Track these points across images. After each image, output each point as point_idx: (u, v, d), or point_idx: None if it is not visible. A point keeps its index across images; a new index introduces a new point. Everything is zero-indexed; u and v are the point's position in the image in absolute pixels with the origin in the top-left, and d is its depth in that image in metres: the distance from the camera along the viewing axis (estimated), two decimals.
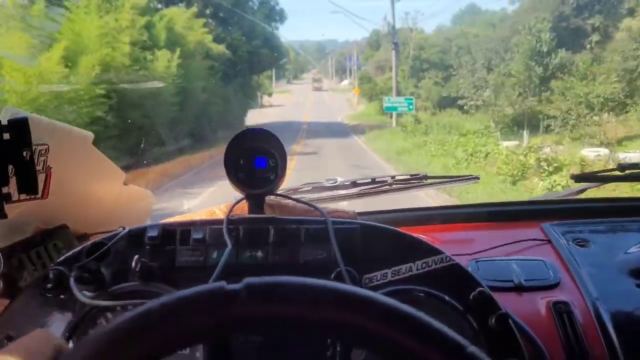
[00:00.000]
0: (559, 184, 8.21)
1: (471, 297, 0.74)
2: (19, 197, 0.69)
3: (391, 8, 23.27)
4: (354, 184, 1.16)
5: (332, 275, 0.73)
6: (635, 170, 1.18)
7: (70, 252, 0.76)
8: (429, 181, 1.17)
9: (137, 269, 0.72)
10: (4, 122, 0.64)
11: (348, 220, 0.82)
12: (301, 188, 1.16)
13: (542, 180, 8.84)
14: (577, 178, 1.21)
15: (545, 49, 17.76)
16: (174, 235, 0.77)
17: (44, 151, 0.77)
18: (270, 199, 0.86)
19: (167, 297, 0.40)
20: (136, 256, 0.73)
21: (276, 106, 27.55)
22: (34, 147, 0.69)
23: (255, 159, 0.81)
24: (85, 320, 0.72)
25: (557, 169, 9.21)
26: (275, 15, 24.65)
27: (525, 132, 15.61)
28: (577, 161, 9.65)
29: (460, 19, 32.54)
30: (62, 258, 0.76)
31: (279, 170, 0.81)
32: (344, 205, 1.15)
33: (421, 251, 0.78)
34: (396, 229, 0.81)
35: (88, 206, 0.90)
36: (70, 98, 7.93)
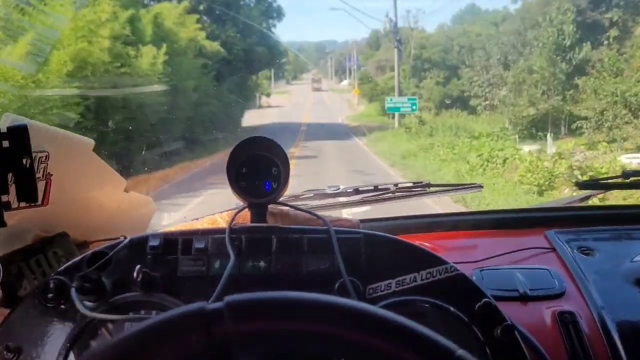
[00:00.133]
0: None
1: (476, 307, 0.73)
2: (19, 205, 0.68)
3: (393, 5, 23.11)
4: (357, 191, 1.15)
5: (336, 286, 0.73)
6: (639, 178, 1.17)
7: (71, 262, 0.76)
8: (432, 189, 1.16)
9: (139, 279, 0.72)
10: (3, 130, 0.63)
11: (351, 229, 0.81)
12: (303, 195, 1.15)
13: (574, 191, 7.64)
14: (581, 185, 1.20)
15: (568, 43, 16.39)
16: (175, 245, 0.76)
17: (44, 158, 0.76)
18: (272, 207, 0.85)
19: (147, 322, 0.39)
20: (138, 266, 0.72)
21: (275, 107, 27.28)
22: (33, 155, 0.68)
23: (257, 167, 0.81)
24: (86, 330, 0.71)
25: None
26: (273, 13, 23.75)
27: (549, 134, 13.60)
28: (617, 170, 8.09)
29: (461, 19, 32.51)
30: (62, 267, 0.75)
31: (281, 178, 0.80)
32: (356, 211, 1.14)
33: (426, 261, 0.77)
34: (400, 238, 0.80)
35: (88, 213, 0.89)
36: (36, 98, 6.74)
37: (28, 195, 0.65)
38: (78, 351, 0.70)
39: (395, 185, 1.18)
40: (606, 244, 1.05)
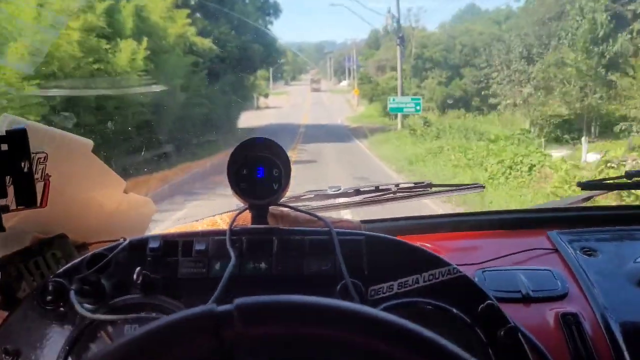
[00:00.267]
0: None
1: (479, 309, 0.73)
2: (17, 209, 0.68)
3: (396, 0, 22.61)
4: (358, 192, 1.15)
5: (338, 288, 0.72)
6: None
7: (70, 264, 0.75)
8: (434, 189, 1.16)
9: (139, 281, 0.71)
10: (2, 132, 0.63)
11: (353, 231, 0.80)
12: (304, 195, 1.15)
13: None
14: (584, 185, 1.20)
15: (601, 34, 14.31)
16: (175, 247, 0.76)
17: (42, 159, 0.75)
18: (273, 208, 0.85)
19: (154, 323, 0.38)
20: (138, 268, 0.71)
21: (273, 108, 26.99)
22: (32, 156, 0.67)
23: (258, 169, 0.80)
24: (85, 333, 0.71)
25: None
26: (269, 9, 22.41)
27: (583, 138, 11.77)
28: None
29: (461, 19, 32.48)
30: (61, 269, 0.74)
31: (282, 180, 0.80)
32: (357, 212, 1.13)
33: (428, 263, 0.76)
34: (402, 240, 0.80)
35: (87, 215, 0.88)
36: None
37: (27, 199, 0.65)
38: (77, 354, 0.69)
39: (397, 185, 1.18)
40: (609, 245, 1.04)
